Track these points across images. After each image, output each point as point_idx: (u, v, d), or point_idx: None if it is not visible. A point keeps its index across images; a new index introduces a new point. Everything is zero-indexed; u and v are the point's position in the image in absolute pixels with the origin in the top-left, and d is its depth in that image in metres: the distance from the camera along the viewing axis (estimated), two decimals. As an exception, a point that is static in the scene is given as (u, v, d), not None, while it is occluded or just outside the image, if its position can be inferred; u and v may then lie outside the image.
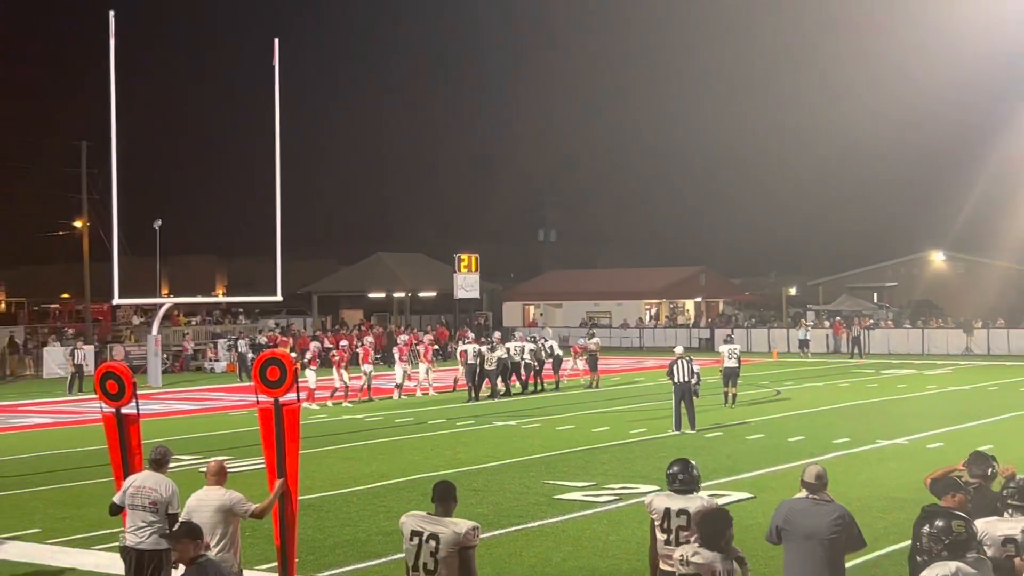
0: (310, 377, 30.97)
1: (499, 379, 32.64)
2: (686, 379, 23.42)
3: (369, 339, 37.57)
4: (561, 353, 36.30)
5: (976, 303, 58.83)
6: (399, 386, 32.93)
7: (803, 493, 8.13)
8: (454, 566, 7.18)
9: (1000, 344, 51.02)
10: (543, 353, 34.80)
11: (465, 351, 32.85)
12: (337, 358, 31.89)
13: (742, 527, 9.45)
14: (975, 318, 54.44)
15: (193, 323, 56.61)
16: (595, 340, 37.74)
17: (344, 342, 34.65)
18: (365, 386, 32.15)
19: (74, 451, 22.33)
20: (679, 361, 23.70)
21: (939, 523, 6.34)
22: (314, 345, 34.35)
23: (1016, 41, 68.13)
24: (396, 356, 33.91)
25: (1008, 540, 7.06)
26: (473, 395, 31.86)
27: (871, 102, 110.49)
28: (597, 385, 35.53)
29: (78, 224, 56.16)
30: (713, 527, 7.19)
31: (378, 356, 37.96)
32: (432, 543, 7.19)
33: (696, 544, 7.19)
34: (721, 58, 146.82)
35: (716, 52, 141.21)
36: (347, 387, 31.50)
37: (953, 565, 6.14)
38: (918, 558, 6.51)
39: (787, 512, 8.02)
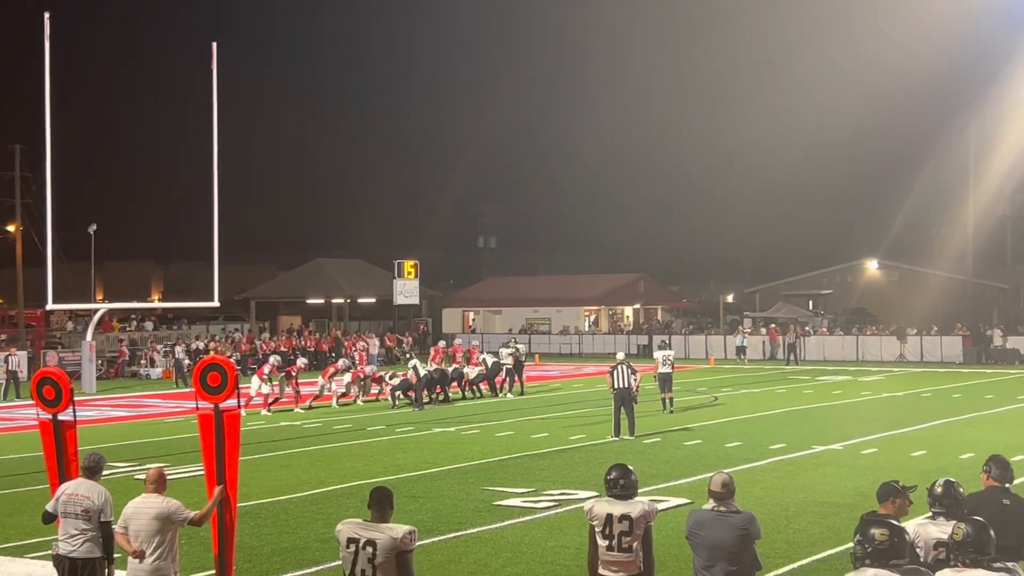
0: (254, 384, 30.78)
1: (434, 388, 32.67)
2: (626, 385, 23.47)
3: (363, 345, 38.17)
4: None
5: (910, 311, 59.55)
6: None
7: (711, 503, 8.18)
8: (392, 572, 7.16)
9: (933, 351, 51.69)
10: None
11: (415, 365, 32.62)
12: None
13: (678, 532, 9.51)
14: (909, 326, 55.18)
15: (128, 329, 55.99)
16: (514, 348, 37.57)
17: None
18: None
19: (6, 458, 21.97)
20: (619, 367, 23.78)
21: (866, 531, 6.38)
22: (274, 358, 34.22)
23: (951, 54, 69.46)
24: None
25: (940, 544, 7.17)
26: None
27: (808, 113, 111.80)
28: (521, 392, 35.43)
29: (11, 228, 55.41)
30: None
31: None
32: (369, 549, 7.16)
33: None
34: (660, 69, 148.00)
35: (654, 63, 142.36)
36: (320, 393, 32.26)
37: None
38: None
39: (693, 523, 8.14)
